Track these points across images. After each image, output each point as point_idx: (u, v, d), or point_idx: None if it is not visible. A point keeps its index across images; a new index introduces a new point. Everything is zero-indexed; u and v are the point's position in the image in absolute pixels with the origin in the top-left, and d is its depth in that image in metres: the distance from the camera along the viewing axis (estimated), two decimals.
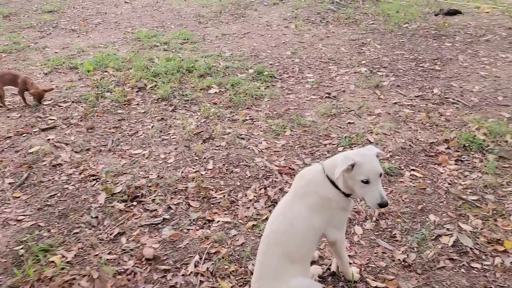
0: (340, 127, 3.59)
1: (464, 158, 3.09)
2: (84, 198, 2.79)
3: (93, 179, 2.98)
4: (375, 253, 2.33)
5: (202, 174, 3.02)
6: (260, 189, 2.86)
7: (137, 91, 4.40)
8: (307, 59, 5.22)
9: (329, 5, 7.82)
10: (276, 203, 2.71)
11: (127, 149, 3.37)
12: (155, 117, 3.88)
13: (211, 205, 2.72)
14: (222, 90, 4.39)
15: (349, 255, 2.29)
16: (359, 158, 1.75)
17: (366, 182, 1.74)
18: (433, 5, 7.84)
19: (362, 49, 5.48)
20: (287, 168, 3.06)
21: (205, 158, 3.23)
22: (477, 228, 2.45)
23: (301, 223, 1.83)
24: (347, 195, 1.86)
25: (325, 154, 3.20)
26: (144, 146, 3.42)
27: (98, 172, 3.06)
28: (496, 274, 2.14)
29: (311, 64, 5.05)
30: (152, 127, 3.70)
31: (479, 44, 5.48)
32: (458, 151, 3.16)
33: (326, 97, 4.17)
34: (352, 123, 3.64)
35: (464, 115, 3.68)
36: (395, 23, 6.56)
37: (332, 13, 7.39)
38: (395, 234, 2.45)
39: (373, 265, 2.25)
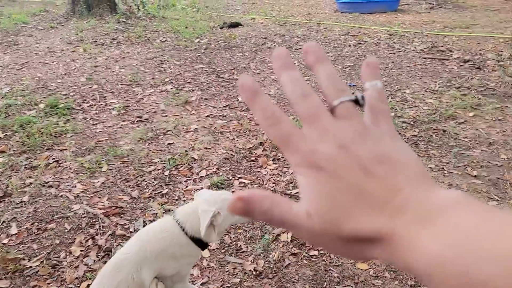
0: (161, 150, 3.43)
1: (279, 156, 3.38)
2: None
3: None
4: (227, 271, 2.29)
5: (4, 243, 2.40)
6: (87, 240, 2.46)
7: None
8: (107, 83, 4.84)
9: (116, 25, 7.49)
10: (110, 251, 2.38)
11: None
12: None
13: (27, 278, 2.19)
14: (9, 133, 3.63)
15: (202, 283, 2.20)
16: (216, 204, 1.61)
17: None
18: (216, 19, 8.45)
19: (162, 67, 5.43)
20: (113, 208, 2.72)
21: (4, 222, 2.58)
22: None
23: None
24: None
25: (153, 182, 2.99)
26: None
27: None
28: (330, 256, 2.39)
29: (113, 88, 4.70)
30: None
31: (263, 52, 6.15)
32: (273, 151, 3.44)
33: (137, 121, 3.93)
34: (172, 143, 3.53)
35: None
36: (187, 38, 6.76)
37: (122, 33, 7.11)
38: (240, 246, 2.46)
39: (228, 285, 2.21)
